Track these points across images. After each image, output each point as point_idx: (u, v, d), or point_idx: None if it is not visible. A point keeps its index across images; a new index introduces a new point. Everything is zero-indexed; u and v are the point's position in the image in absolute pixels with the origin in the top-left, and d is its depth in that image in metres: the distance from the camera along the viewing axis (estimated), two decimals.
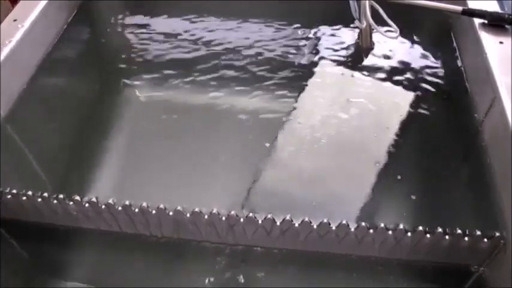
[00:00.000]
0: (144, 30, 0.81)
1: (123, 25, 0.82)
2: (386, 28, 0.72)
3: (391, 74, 0.72)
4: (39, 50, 0.72)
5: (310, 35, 0.79)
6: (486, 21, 0.65)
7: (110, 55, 0.79)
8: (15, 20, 0.68)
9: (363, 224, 0.49)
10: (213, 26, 0.82)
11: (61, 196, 0.53)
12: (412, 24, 0.76)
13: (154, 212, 0.52)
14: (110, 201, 0.52)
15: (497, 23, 0.64)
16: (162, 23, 0.82)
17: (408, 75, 0.72)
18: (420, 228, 0.49)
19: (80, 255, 0.56)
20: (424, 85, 0.70)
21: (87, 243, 0.57)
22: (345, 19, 0.78)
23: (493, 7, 0.67)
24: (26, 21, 0.68)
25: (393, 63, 0.74)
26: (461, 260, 0.52)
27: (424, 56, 0.74)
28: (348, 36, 0.78)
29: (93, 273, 0.55)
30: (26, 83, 0.68)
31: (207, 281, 0.53)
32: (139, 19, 0.83)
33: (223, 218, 0.51)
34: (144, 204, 0.51)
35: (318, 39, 0.78)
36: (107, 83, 0.75)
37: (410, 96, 0.69)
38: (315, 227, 0.50)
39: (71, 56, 0.77)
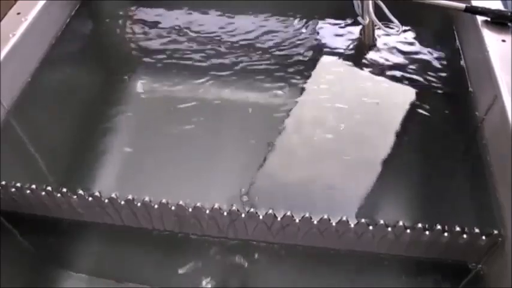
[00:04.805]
0: (146, 25, 0.81)
1: (126, 19, 0.82)
2: (389, 25, 0.72)
3: (393, 71, 0.72)
4: (43, 43, 0.72)
5: (313, 31, 0.79)
6: (489, 19, 0.65)
7: (113, 49, 0.79)
8: (18, 14, 0.68)
9: (363, 220, 0.50)
10: (216, 21, 0.82)
11: (64, 190, 0.53)
12: (414, 21, 0.76)
13: (156, 206, 0.52)
14: (113, 195, 0.52)
15: (500, 21, 0.64)
16: (165, 18, 0.82)
17: (410, 71, 0.72)
18: (419, 225, 0.49)
19: (84, 247, 0.57)
20: (426, 82, 0.70)
21: (91, 236, 0.58)
22: (348, 15, 0.78)
23: (497, 5, 0.67)
24: (29, 14, 0.68)
25: (395, 59, 0.74)
26: (459, 257, 0.53)
27: (426, 53, 0.74)
28: (350, 32, 0.78)
29: (96, 265, 0.56)
30: (30, 77, 0.68)
31: (207, 274, 0.53)
32: (142, 13, 0.83)
33: (225, 213, 0.52)
34: (147, 198, 0.52)
35: (321, 34, 0.78)
36: (110, 77, 0.76)
37: (411, 92, 0.70)
38: (315, 222, 0.50)
39: (74, 49, 0.77)
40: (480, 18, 0.66)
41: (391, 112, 0.67)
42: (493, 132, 0.58)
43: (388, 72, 0.72)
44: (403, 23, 0.71)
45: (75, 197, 0.53)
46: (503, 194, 0.52)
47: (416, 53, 0.74)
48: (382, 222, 0.50)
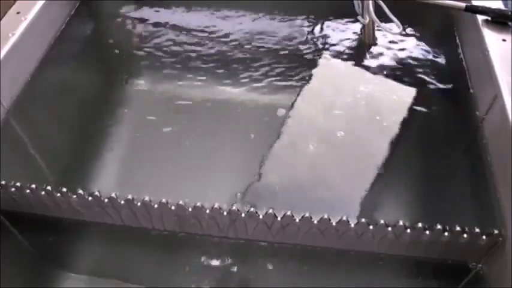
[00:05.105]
0: (146, 23, 0.81)
1: (125, 19, 0.82)
2: (389, 24, 0.72)
3: (393, 70, 0.72)
4: (42, 43, 0.72)
5: (314, 30, 0.79)
6: (489, 18, 0.65)
7: (112, 49, 0.79)
8: (18, 13, 0.68)
9: (363, 220, 0.50)
10: (216, 19, 0.82)
11: (64, 189, 0.53)
12: (415, 20, 0.76)
13: (156, 206, 0.52)
14: (113, 195, 0.52)
15: (500, 20, 0.64)
16: (164, 17, 0.82)
17: (410, 71, 0.72)
18: (419, 225, 0.49)
19: (84, 247, 0.57)
20: (426, 81, 0.70)
21: (91, 236, 0.58)
22: (349, 14, 0.78)
23: (497, 4, 0.67)
24: (29, 13, 0.68)
25: (395, 59, 0.74)
26: (459, 257, 0.53)
27: (426, 52, 0.74)
28: (351, 31, 0.78)
29: (96, 265, 0.56)
30: (29, 76, 0.68)
31: (207, 274, 0.53)
32: (142, 12, 0.83)
33: (225, 213, 0.52)
34: (147, 198, 0.52)
35: (321, 33, 0.78)
36: (110, 76, 0.75)
37: (411, 92, 0.69)
38: (315, 222, 0.50)
39: (74, 49, 0.77)
40: (480, 18, 0.66)
41: (391, 111, 0.67)
42: (493, 131, 0.58)
43: (388, 72, 0.72)
44: (403, 22, 0.71)
45: (74, 196, 0.53)
46: (503, 194, 0.52)
47: (417, 52, 0.74)
48: (382, 222, 0.50)
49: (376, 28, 0.75)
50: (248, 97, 0.70)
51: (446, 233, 0.49)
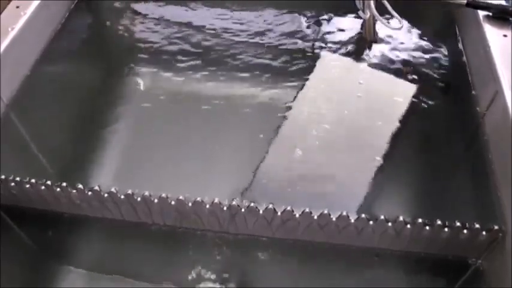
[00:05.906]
0: (146, 18, 0.81)
1: (125, 14, 0.82)
2: (390, 19, 0.72)
3: (394, 66, 0.72)
4: (42, 37, 0.72)
5: (314, 25, 0.79)
6: (490, 14, 0.65)
7: (113, 43, 0.79)
8: (17, 7, 0.68)
9: (363, 215, 0.50)
10: (215, 15, 0.81)
11: (64, 184, 0.53)
12: (416, 15, 0.76)
13: (156, 201, 0.52)
14: (113, 189, 0.52)
15: (501, 16, 0.64)
16: (164, 11, 0.82)
17: (411, 67, 0.72)
18: (420, 220, 0.49)
19: (83, 242, 0.57)
20: (427, 77, 0.70)
21: (90, 231, 0.58)
22: (349, 10, 0.77)
23: (498, 0, 0.66)
24: (28, 8, 0.68)
25: (396, 54, 0.73)
26: (459, 253, 0.53)
27: (427, 48, 0.74)
28: (351, 27, 0.78)
29: (96, 260, 0.56)
30: (29, 71, 0.68)
31: (207, 269, 0.53)
32: (142, 7, 0.83)
33: (225, 208, 0.52)
34: (147, 193, 0.52)
35: (322, 29, 0.78)
36: (110, 72, 0.75)
37: (412, 88, 0.69)
38: (315, 217, 0.50)
39: (73, 44, 0.76)
40: (482, 13, 0.65)
41: (391, 107, 0.67)
42: (494, 127, 0.58)
43: (389, 67, 0.72)
44: (404, 17, 0.70)
45: (74, 191, 0.53)
46: (503, 190, 0.52)
47: (417, 48, 0.74)
48: (382, 217, 0.50)
49: (376, 24, 0.75)
50: (248, 94, 0.70)
51: (446, 229, 0.49)
